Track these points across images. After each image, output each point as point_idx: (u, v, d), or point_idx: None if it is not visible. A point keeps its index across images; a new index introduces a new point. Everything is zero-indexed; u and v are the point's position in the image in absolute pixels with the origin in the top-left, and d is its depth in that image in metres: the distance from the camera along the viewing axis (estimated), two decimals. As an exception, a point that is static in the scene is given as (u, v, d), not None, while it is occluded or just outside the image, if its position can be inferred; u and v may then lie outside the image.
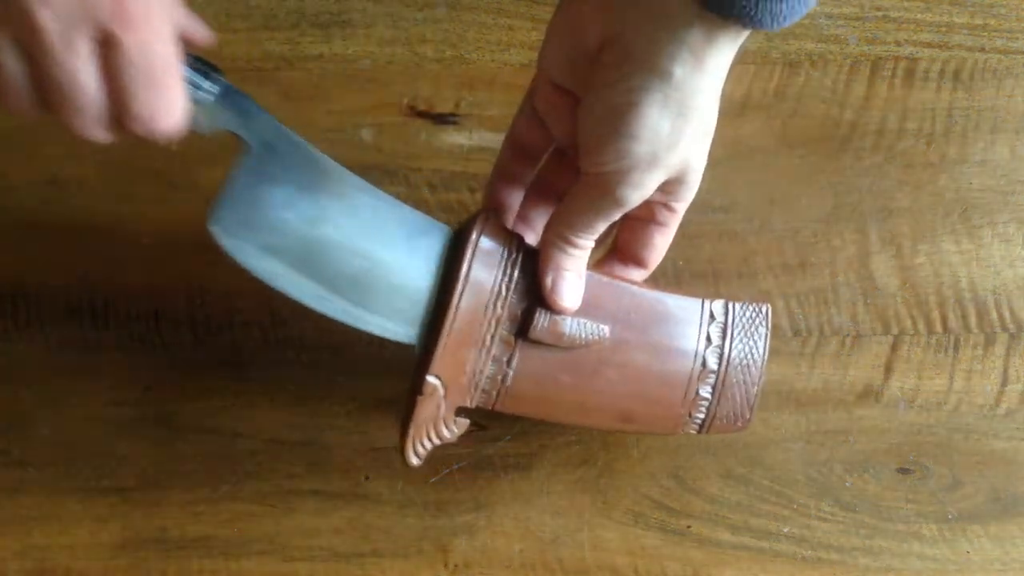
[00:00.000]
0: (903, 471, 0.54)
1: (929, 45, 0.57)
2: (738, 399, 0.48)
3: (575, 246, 0.45)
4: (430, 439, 0.47)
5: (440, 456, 0.54)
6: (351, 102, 0.57)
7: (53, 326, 0.56)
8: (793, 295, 0.55)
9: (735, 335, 0.48)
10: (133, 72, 0.36)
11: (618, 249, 0.49)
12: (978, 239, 0.56)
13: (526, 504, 0.54)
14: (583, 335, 0.46)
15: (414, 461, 0.47)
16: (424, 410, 0.46)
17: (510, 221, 0.49)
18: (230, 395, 0.55)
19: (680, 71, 0.38)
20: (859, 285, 0.56)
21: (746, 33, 0.39)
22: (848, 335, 0.55)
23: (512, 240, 0.47)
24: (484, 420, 0.55)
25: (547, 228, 0.46)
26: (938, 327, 0.55)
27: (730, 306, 0.48)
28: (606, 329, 0.46)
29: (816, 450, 0.54)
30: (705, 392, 0.47)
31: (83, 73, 0.36)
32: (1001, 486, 0.54)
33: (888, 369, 0.55)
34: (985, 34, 0.58)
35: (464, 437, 0.55)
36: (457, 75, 0.58)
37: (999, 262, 0.56)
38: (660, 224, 0.47)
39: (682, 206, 0.46)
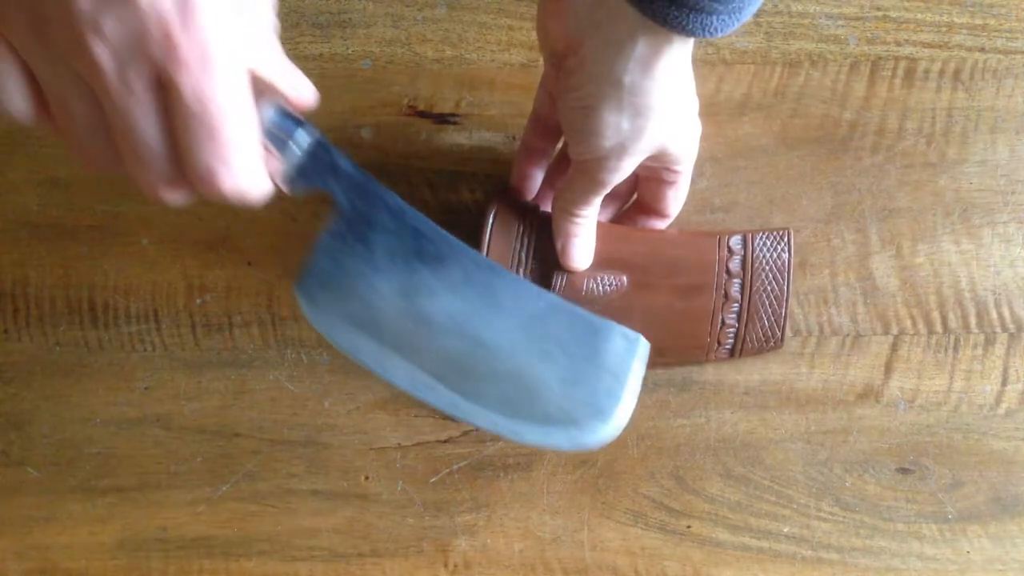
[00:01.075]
0: (903, 471, 0.54)
1: (929, 45, 0.57)
2: (766, 322, 0.51)
3: (578, 216, 0.49)
4: None
5: (440, 456, 0.55)
6: (351, 102, 0.57)
7: (53, 326, 0.56)
8: (793, 295, 0.55)
9: (756, 265, 0.51)
10: (190, 120, 0.32)
11: (638, 204, 0.53)
12: (978, 239, 0.56)
13: (526, 504, 0.54)
14: (601, 288, 0.50)
15: None
16: None
17: (534, 190, 0.53)
18: (230, 395, 0.55)
19: (629, 79, 0.41)
20: (859, 285, 0.56)
21: (691, 41, 0.41)
22: (848, 335, 0.55)
23: (527, 212, 0.52)
24: (484, 420, 0.55)
25: (554, 202, 0.50)
26: (938, 327, 0.55)
27: (748, 238, 0.52)
28: (624, 278, 0.50)
29: (816, 450, 0.54)
30: (731, 321, 0.51)
31: (141, 117, 0.33)
32: (1001, 486, 0.54)
33: (888, 369, 0.55)
34: (985, 34, 0.57)
35: (464, 437, 0.55)
36: (457, 75, 0.58)
37: (999, 262, 0.56)
38: (668, 183, 0.50)
39: (684, 167, 0.49)
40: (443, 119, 0.57)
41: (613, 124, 0.43)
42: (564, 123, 0.46)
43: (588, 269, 0.51)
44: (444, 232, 0.40)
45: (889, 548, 0.54)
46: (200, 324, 0.56)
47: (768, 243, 0.52)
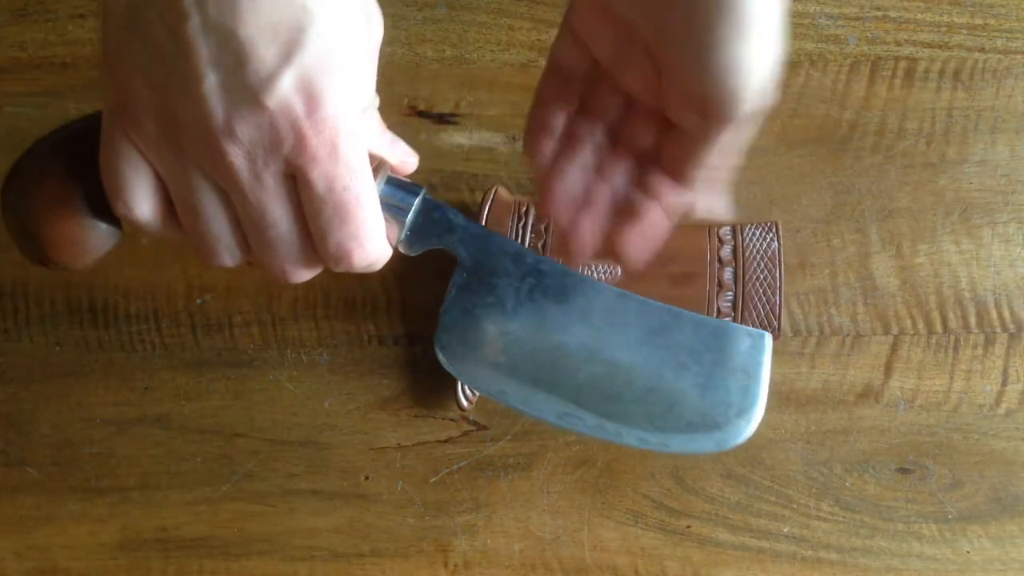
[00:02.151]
0: (903, 471, 0.54)
1: (929, 45, 0.57)
2: (762, 311, 0.52)
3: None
4: None
5: (440, 456, 0.55)
6: (351, 102, 0.57)
7: (53, 326, 0.56)
8: (793, 295, 0.55)
9: (747, 254, 0.52)
10: (323, 207, 0.34)
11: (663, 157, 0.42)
12: (978, 239, 0.56)
13: (526, 504, 0.54)
14: (594, 276, 0.51)
15: (464, 404, 0.52)
16: None
17: (549, 148, 0.42)
18: (230, 395, 0.55)
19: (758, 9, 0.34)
20: (859, 285, 0.56)
21: None
22: (848, 335, 0.55)
23: (519, 206, 0.53)
24: (484, 420, 0.55)
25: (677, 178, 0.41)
26: (938, 327, 0.55)
27: (738, 228, 0.53)
28: (619, 268, 0.51)
29: (816, 450, 0.54)
30: (727, 309, 0.51)
31: (275, 208, 0.34)
32: (1001, 486, 0.54)
33: (888, 369, 0.55)
34: (985, 34, 0.57)
35: (464, 437, 0.55)
36: (457, 75, 0.58)
37: (999, 262, 0.56)
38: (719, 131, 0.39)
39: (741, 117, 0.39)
40: (443, 119, 0.57)
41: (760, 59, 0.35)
42: (697, 77, 0.37)
43: (581, 258, 0.50)
44: (561, 265, 0.41)
45: (889, 548, 0.54)
46: (200, 324, 0.56)
47: (757, 233, 0.53)
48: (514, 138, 0.57)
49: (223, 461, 0.55)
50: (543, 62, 0.58)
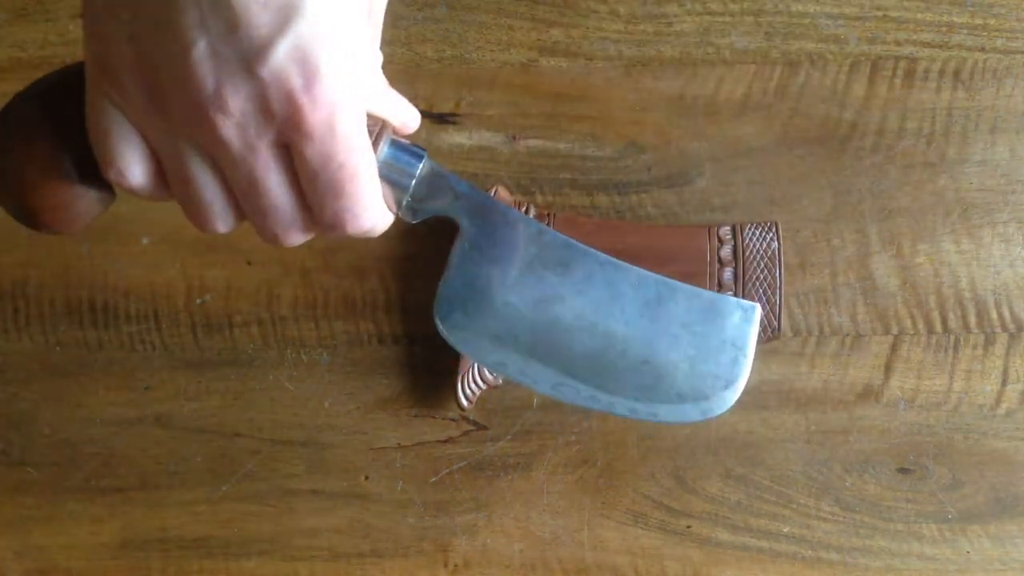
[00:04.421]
0: (903, 471, 0.54)
1: (929, 45, 0.57)
2: (762, 311, 0.50)
3: None
4: (476, 384, 0.52)
5: (440, 456, 0.55)
6: (351, 102, 0.57)
7: (53, 326, 0.56)
8: (793, 295, 0.55)
9: (747, 254, 0.52)
10: (316, 181, 0.33)
11: None
12: (978, 239, 0.56)
13: (526, 504, 0.54)
14: None
15: (464, 404, 0.52)
16: (466, 362, 0.52)
17: None
18: (230, 395, 0.55)
19: None
20: (859, 285, 0.56)
21: None
22: (848, 335, 0.55)
23: (518, 206, 0.53)
24: (484, 420, 0.55)
25: None
26: (938, 327, 0.55)
27: (737, 228, 0.53)
28: None
29: (816, 450, 0.54)
30: None
31: (267, 178, 0.33)
32: (1001, 486, 0.54)
33: (888, 369, 0.55)
34: (985, 34, 0.57)
35: (464, 437, 0.55)
36: (457, 75, 0.58)
37: (999, 262, 0.56)
38: None
39: None
40: (443, 119, 0.57)
41: None
42: None
43: None
44: (562, 236, 0.41)
45: (889, 548, 0.54)
46: (200, 324, 0.56)
47: (757, 233, 0.53)
48: (514, 138, 0.57)
49: (223, 461, 0.55)
50: (543, 62, 0.58)
